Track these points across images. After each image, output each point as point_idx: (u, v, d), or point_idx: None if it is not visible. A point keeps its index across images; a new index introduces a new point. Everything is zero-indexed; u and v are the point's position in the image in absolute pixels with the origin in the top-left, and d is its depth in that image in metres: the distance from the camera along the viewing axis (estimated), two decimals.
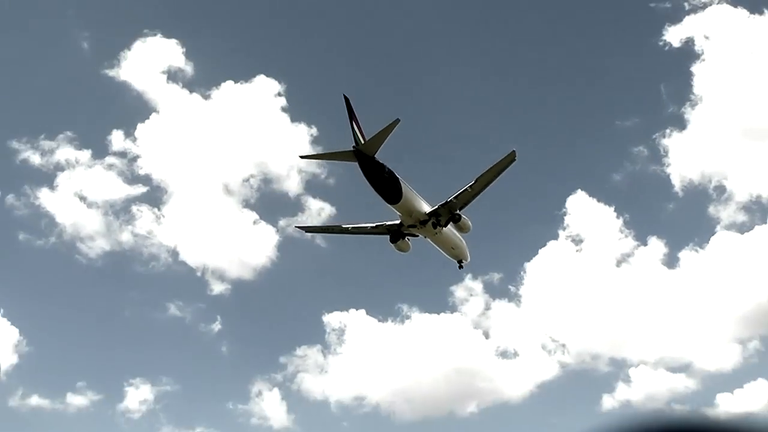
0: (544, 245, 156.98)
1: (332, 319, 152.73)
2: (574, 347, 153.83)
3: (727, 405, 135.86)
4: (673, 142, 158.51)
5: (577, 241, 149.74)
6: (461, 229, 58.03)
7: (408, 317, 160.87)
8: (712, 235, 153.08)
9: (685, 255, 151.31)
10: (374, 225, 58.58)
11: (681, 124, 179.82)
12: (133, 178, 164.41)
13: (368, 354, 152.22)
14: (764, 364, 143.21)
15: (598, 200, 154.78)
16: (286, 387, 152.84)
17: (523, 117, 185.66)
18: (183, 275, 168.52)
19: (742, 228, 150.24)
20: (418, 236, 58.81)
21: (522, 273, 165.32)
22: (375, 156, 53.51)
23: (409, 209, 55.79)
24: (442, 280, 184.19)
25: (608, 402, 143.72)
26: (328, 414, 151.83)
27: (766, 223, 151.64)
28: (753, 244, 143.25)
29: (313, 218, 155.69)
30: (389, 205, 55.95)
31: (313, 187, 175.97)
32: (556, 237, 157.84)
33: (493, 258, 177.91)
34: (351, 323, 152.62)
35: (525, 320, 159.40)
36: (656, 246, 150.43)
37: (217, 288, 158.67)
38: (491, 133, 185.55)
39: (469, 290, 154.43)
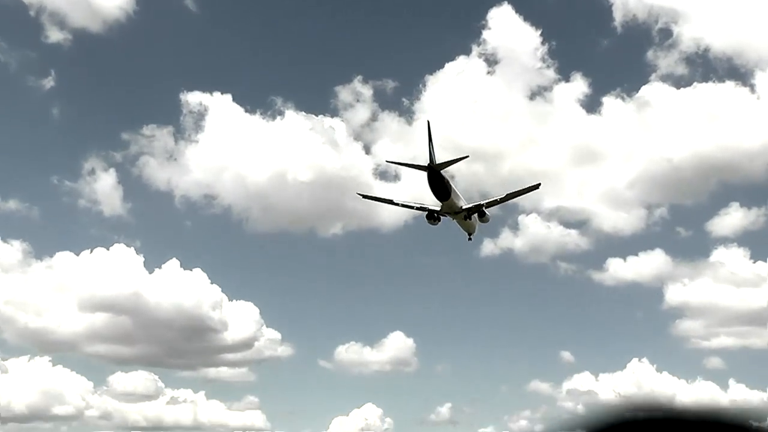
0: (453, 59, 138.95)
1: (191, 99, 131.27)
2: (463, 181, 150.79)
3: (615, 270, 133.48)
4: None
5: (492, 61, 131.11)
6: (482, 220, 74.59)
7: (281, 113, 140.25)
8: (645, 84, 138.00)
9: (609, 101, 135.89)
10: (419, 206, 74.07)
11: None
12: None
13: (227, 148, 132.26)
14: (666, 235, 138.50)
15: (525, 18, 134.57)
16: (125, 170, 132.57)
17: None
18: (11, 10, 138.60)
19: (680, 82, 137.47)
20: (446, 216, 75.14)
21: (421, 86, 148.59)
22: (440, 171, 68.35)
23: (451, 206, 71.55)
24: (327, 76, 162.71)
25: (488, 247, 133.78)
26: (171, 209, 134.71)
27: (707, 81, 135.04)
28: (686, 103, 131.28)
29: None
30: (437, 200, 71.53)
31: None
32: (468, 52, 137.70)
33: (390, 62, 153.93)
34: (213, 108, 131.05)
35: (414, 140, 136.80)
36: (579, 85, 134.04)
37: (55, 36, 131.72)
38: None
39: (357, 94, 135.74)
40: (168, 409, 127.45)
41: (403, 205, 74.87)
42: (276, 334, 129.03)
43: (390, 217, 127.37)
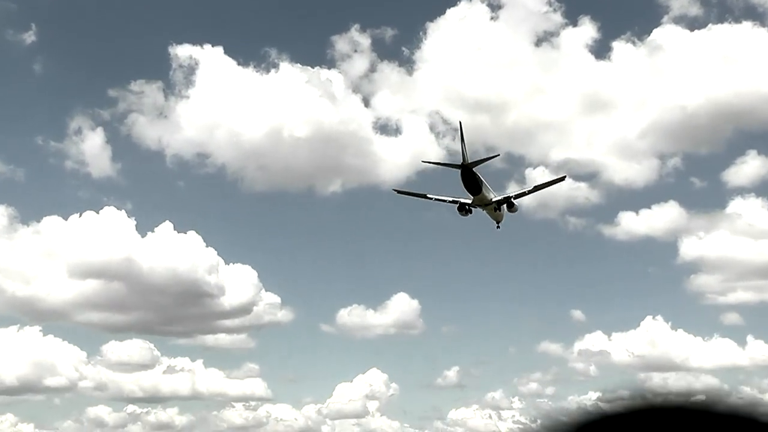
0: (455, 4, 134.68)
1: (181, 53, 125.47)
2: (468, 133, 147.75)
3: (627, 224, 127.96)
4: None
5: (495, 6, 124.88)
6: (511, 210, 78.52)
7: (275, 66, 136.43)
8: (656, 26, 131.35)
9: (619, 46, 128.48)
10: (452, 199, 77.75)
11: None
12: None
13: (221, 103, 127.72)
14: (680, 185, 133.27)
15: None
16: (114, 128, 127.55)
17: None
18: None
19: (693, 23, 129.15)
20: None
21: (421, 34, 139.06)
22: (473, 169, 72.12)
23: (482, 199, 74.90)
24: (323, 25, 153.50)
25: None
26: (162, 168, 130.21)
27: (722, 22, 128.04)
28: (701, 46, 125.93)
29: None
30: (468, 194, 75.38)
31: None
32: None
33: (388, 9, 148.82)
34: (204, 61, 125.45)
35: (415, 92, 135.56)
36: (587, 29, 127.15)
37: None
38: None
39: (354, 44, 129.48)
40: (165, 378, 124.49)
41: (437, 199, 78.50)
42: (275, 298, 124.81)
43: (391, 172, 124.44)
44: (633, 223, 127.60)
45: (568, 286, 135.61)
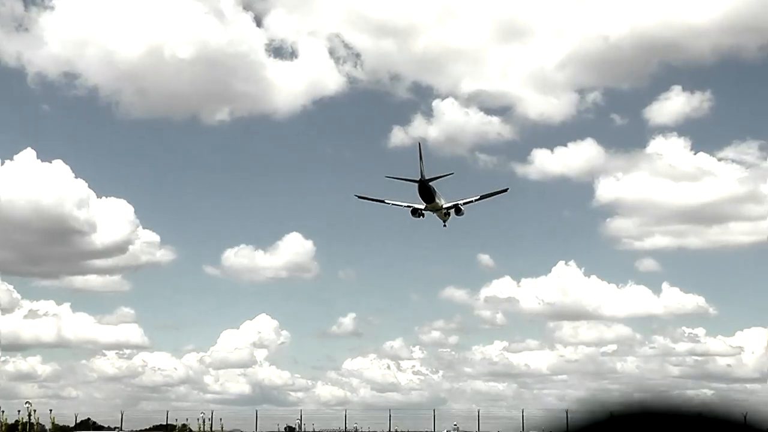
0: None
1: None
2: (371, 60, 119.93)
3: (541, 162, 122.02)
4: None
5: None
6: (458, 215, 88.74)
7: None
8: None
9: None
10: (406, 205, 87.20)
11: None
12: None
13: (91, 16, 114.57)
14: (599, 123, 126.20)
15: None
16: None
17: None
18: None
19: None
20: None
21: None
22: (429, 184, 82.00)
23: (434, 206, 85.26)
24: None
25: (398, 136, 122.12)
26: (23, 89, 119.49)
27: None
28: None
29: None
30: (423, 202, 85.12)
31: None
32: None
33: None
34: None
35: (314, 12, 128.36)
36: None
37: None
38: None
39: None
40: (26, 323, 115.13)
41: (394, 204, 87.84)
42: (154, 237, 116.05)
43: (285, 100, 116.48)
44: (547, 162, 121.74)
45: (476, 228, 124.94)
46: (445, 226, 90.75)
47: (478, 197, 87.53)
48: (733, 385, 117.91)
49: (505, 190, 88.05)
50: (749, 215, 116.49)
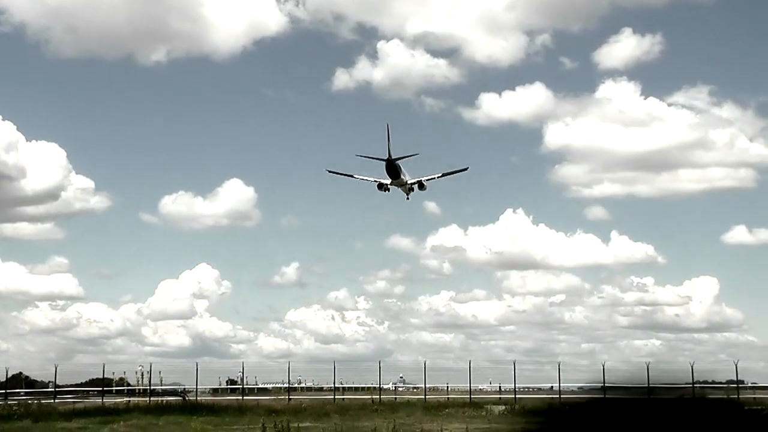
0: None
1: None
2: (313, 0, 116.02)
3: (489, 107, 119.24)
4: None
5: None
6: (421, 189, 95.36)
7: None
8: None
9: None
10: (374, 180, 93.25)
11: None
12: None
13: None
14: (548, 66, 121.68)
15: None
16: None
17: None
18: None
19: None
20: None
21: None
22: (396, 162, 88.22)
23: (399, 182, 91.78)
24: None
25: (342, 79, 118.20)
26: None
27: None
28: None
29: None
30: (390, 178, 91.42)
31: None
32: None
33: None
34: None
35: None
36: None
37: None
38: None
39: None
40: None
41: (362, 179, 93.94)
42: (88, 182, 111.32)
43: (226, 41, 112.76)
44: (495, 106, 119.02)
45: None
46: (408, 199, 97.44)
47: (440, 174, 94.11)
48: (681, 334, 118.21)
49: (466, 169, 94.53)
50: (699, 162, 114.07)
